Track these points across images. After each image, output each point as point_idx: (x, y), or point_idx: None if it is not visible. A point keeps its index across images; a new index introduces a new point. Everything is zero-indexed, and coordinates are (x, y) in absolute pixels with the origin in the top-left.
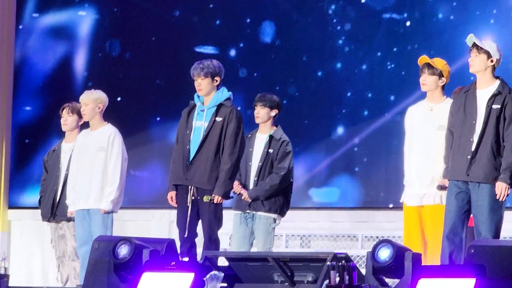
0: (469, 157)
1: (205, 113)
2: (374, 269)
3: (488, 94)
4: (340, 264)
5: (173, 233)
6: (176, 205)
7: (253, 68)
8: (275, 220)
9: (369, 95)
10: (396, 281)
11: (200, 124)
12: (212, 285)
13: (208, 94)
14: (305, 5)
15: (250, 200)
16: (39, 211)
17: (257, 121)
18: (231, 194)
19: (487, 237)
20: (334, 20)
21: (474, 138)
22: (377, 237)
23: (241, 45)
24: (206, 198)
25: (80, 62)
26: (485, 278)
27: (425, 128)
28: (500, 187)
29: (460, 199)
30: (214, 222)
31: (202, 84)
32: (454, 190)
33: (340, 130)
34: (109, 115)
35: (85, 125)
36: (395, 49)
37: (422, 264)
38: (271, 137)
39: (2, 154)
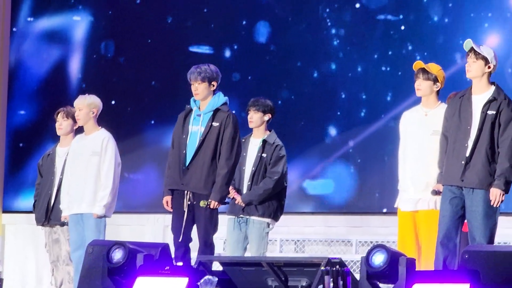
0: (463, 162)
1: (201, 118)
2: (368, 274)
3: (484, 100)
4: (334, 269)
5: (167, 238)
6: (171, 210)
7: (247, 70)
8: (268, 225)
9: (364, 99)
10: (390, 286)
11: (196, 129)
12: None
13: (205, 99)
14: (300, 8)
15: (243, 205)
16: (33, 215)
17: (250, 125)
18: (226, 199)
19: (481, 243)
20: (329, 23)
21: (468, 143)
22: (371, 242)
23: (235, 47)
24: (202, 203)
25: (74, 66)
26: (479, 283)
27: (420, 133)
28: (495, 193)
29: (454, 205)
30: (210, 227)
31: (199, 88)
32: (448, 195)
33: (334, 134)
34: (104, 118)
35: (80, 129)
36: (390, 52)
37: (416, 269)
38: (264, 141)
39: None
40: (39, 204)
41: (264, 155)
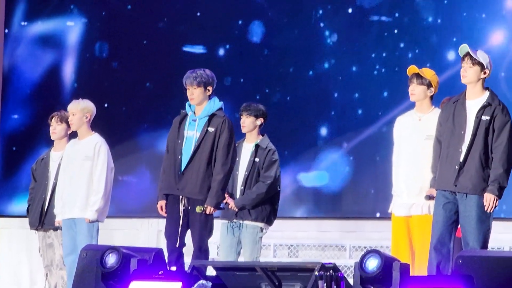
0: (457, 167)
1: (197, 123)
2: (362, 279)
3: (478, 105)
4: (328, 274)
5: (161, 242)
6: (165, 215)
7: (240, 71)
8: (262, 229)
9: (358, 103)
10: None
11: (191, 134)
12: None
13: (200, 104)
14: (294, 10)
15: (236, 209)
16: (27, 219)
17: (243, 130)
18: (221, 205)
19: (475, 248)
20: (322, 24)
21: (462, 148)
22: (365, 247)
23: (228, 46)
24: (198, 209)
25: (68, 70)
26: None
27: (414, 138)
28: (489, 199)
29: (448, 210)
30: (205, 232)
31: (194, 93)
32: (442, 200)
33: (327, 138)
34: (97, 122)
35: (74, 133)
36: (384, 54)
37: (410, 275)
38: (257, 146)
39: None
40: (33, 208)
41: (257, 159)
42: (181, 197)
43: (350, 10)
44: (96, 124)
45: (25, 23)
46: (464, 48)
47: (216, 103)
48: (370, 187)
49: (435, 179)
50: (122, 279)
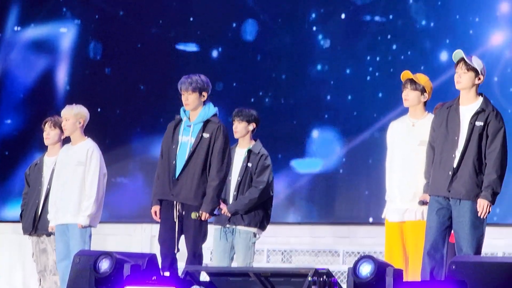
0: (450, 173)
1: (191, 129)
2: (356, 285)
3: (472, 111)
4: (321, 279)
5: (155, 248)
6: (159, 220)
7: (233, 75)
8: (255, 235)
9: (351, 109)
10: None
11: (186, 139)
12: None
13: (195, 109)
14: (287, 13)
15: (229, 215)
16: (20, 225)
17: (235, 136)
18: (216, 211)
19: (469, 253)
20: (315, 28)
21: (456, 154)
22: (358, 253)
23: (220, 49)
24: (194, 215)
25: (61, 75)
26: None
27: (407, 144)
28: (482, 204)
29: (441, 215)
30: (199, 237)
31: (189, 98)
32: (435, 206)
33: (321, 143)
34: (91, 126)
35: (68, 139)
36: (378, 58)
37: (403, 280)
38: (250, 151)
39: None
40: (26, 213)
41: (249, 164)
42: (175, 202)
43: (343, 16)
44: (90, 129)
45: (18, 28)
46: (458, 53)
47: (211, 109)
48: (363, 193)
49: (429, 185)
50: (116, 284)
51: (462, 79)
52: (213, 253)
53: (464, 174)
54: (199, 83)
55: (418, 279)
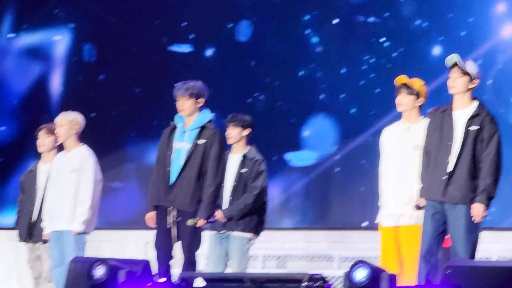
0: (445, 177)
1: (187, 135)
2: None
3: (466, 115)
4: (316, 285)
5: (149, 254)
6: (154, 226)
7: (227, 77)
8: (249, 240)
9: (345, 114)
10: None
11: (181, 145)
12: None
13: (191, 115)
14: (281, 15)
15: (224, 220)
16: (15, 232)
17: (229, 141)
18: (211, 218)
19: (464, 258)
20: (308, 31)
21: (451, 158)
22: (353, 258)
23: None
24: (191, 222)
25: (56, 81)
26: None
27: (401, 148)
28: (477, 209)
29: (436, 220)
30: (194, 243)
31: (185, 104)
32: (431, 210)
33: (315, 148)
34: (85, 132)
35: (63, 145)
36: (371, 61)
37: (398, 285)
38: (244, 156)
39: None
40: (21, 220)
41: (244, 170)
42: (170, 208)
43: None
44: (85, 134)
45: (13, 35)
46: (452, 58)
47: (206, 115)
48: (357, 197)
49: (423, 189)
50: None
51: (457, 84)
52: (208, 259)
53: (459, 179)
54: (195, 89)
55: (413, 283)
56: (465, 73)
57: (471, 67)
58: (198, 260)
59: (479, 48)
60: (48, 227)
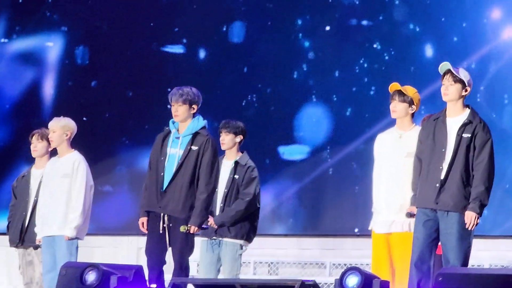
0: (438, 185)
1: (180, 141)
2: None
3: (459, 123)
4: None
5: (141, 260)
6: (146, 232)
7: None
8: (241, 246)
9: (338, 120)
10: None
11: (174, 151)
12: None
13: (184, 121)
14: (274, 18)
15: (216, 227)
16: (6, 237)
17: (222, 147)
18: (204, 225)
19: (456, 265)
20: (301, 36)
21: (443, 166)
22: (345, 265)
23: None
24: (182, 228)
25: (48, 86)
26: None
27: (394, 155)
28: (470, 216)
29: (428, 227)
30: (186, 250)
31: (179, 110)
32: (422, 218)
33: (308, 153)
34: (76, 137)
35: (56, 151)
36: (365, 65)
37: None
38: (236, 163)
39: None
40: (13, 225)
41: (236, 176)
42: (162, 214)
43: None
44: (76, 139)
45: (5, 40)
46: (445, 65)
47: (200, 122)
48: (349, 204)
49: (416, 197)
50: None
51: (450, 91)
52: (199, 265)
53: (451, 186)
54: (189, 96)
55: None
56: (458, 80)
57: (464, 74)
58: (189, 266)
59: (471, 53)
60: (40, 232)
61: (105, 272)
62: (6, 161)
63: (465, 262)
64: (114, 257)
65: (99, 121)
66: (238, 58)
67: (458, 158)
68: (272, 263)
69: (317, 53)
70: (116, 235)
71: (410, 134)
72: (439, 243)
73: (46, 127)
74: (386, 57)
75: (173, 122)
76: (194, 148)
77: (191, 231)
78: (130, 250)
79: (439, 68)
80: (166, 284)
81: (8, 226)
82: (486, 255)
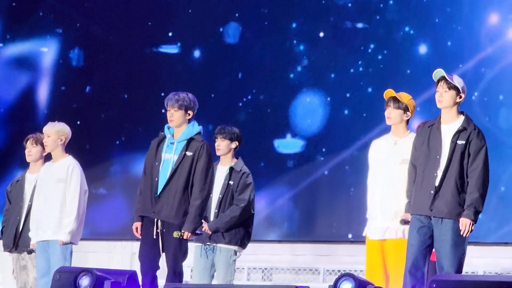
0: (432, 192)
1: (174, 146)
2: None
3: (453, 130)
4: None
5: (135, 265)
6: (140, 236)
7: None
8: (236, 252)
9: (332, 126)
10: None
11: (169, 157)
12: None
13: (179, 126)
14: (269, 22)
15: (210, 232)
16: (0, 242)
17: (218, 153)
18: (198, 231)
19: (450, 272)
20: (295, 41)
21: (438, 173)
22: (338, 271)
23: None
24: (176, 234)
25: (42, 90)
26: None
27: (389, 162)
28: (465, 223)
29: (423, 234)
30: (179, 255)
31: (174, 115)
32: (417, 224)
33: (301, 162)
34: (71, 141)
35: (50, 156)
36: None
37: None
38: (231, 169)
39: None
40: (7, 230)
41: (231, 182)
42: (156, 220)
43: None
44: (70, 142)
45: (0, 45)
46: (439, 72)
47: (195, 127)
48: (343, 211)
49: (410, 204)
50: None
51: (444, 98)
52: (193, 270)
53: (446, 193)
54: (185, 101)
55: None
56: (452, 87)
57: (457, 80)
58: (183, 272)
59: (467, 56)
60: (34, 237)
61: (99, 277)
62: (0, 165)
63: (459, 269)
64: (108, 262)
65: (93, 125)
66: (234, 61)
67: (452, 165)
68: (266, 269)
69: (312, 56)
70: (110, 240)
71: (405, 140)
72: (434, 250)
73: (41, 131)
74: (382, 60)
75: (168, 127)
76: (188, 153)
77: (184, 237)
78: (124, 255)
79: (433, 75)
80: None
81: (2, 231)
82: (481, 262)
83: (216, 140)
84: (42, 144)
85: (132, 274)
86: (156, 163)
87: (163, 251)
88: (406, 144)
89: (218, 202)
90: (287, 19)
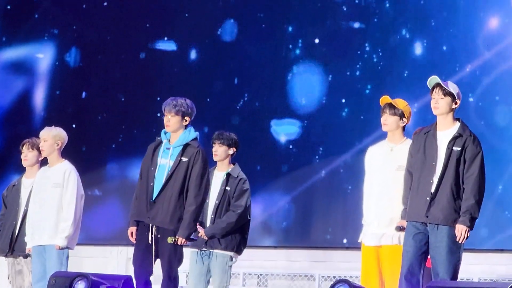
0: (428, 198)
1: (170, 152)
2: None
3: (449, 136)
4: None
5: (130, 270)
6: (135, 241)
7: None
8: (232, 258)
9: (329, 132)
10: None
11: (165, 162)
12: None
13: (175, 132)
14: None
15: (206, 238)
16: None
17: (215, 159)
18: (193, 236)
19: (445, 278)
20: (291, 45)
21: (434, 179)
22: (334, 277)
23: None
24: (170, 240)
25: (38, 95)
26: None
27: (385, 168)
28: (460, 230)
29: (418, 240)
30: (174, 260)
31: (171, 120)
32: (412, 230)
33: (298, 165)
34: (67, 146)
35: (46, 161)
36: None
37: None
38: (228, 175)
39: None
40: (3, 234)
41: (227, 188)
42: (151, 225)
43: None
44: (65, 147)
45: None
46: (433, 79)
47: (191, 133)
48: (339, 217)
49: (406, 211)
50: None
51: (440, 104)
52: (189, 276)
53: (442, 200)
54: (183, 107)
55: None
56: (447, 93)
57: (453, 87)
58: (178, 277)
59: (462, 62)
60: (30, 241)
61: (94, 282)
62: None
63: (454, 276)
64: (104, 267)
65: (89, 128)
66: (230, 64)
67: (448, 172)
68: (261, 274)
69: (308, 60)
70: (105, 245)
71: (401, 147)
72: (429, 256)
73: (37, 136)
74: (378, 63)
75: (165, 133)
76: (184, 159)
77: (179, 243)
78: (119, 260)
79: (427, 82)
80: None
81: None
82: (476, 269)
83: (213, 145)
84: (38, 149)
85: (128, 279)
86: (152, 168)
87: (157, 257)
88: (402, 150)
89: (214, 208)
90: (284, 22)
